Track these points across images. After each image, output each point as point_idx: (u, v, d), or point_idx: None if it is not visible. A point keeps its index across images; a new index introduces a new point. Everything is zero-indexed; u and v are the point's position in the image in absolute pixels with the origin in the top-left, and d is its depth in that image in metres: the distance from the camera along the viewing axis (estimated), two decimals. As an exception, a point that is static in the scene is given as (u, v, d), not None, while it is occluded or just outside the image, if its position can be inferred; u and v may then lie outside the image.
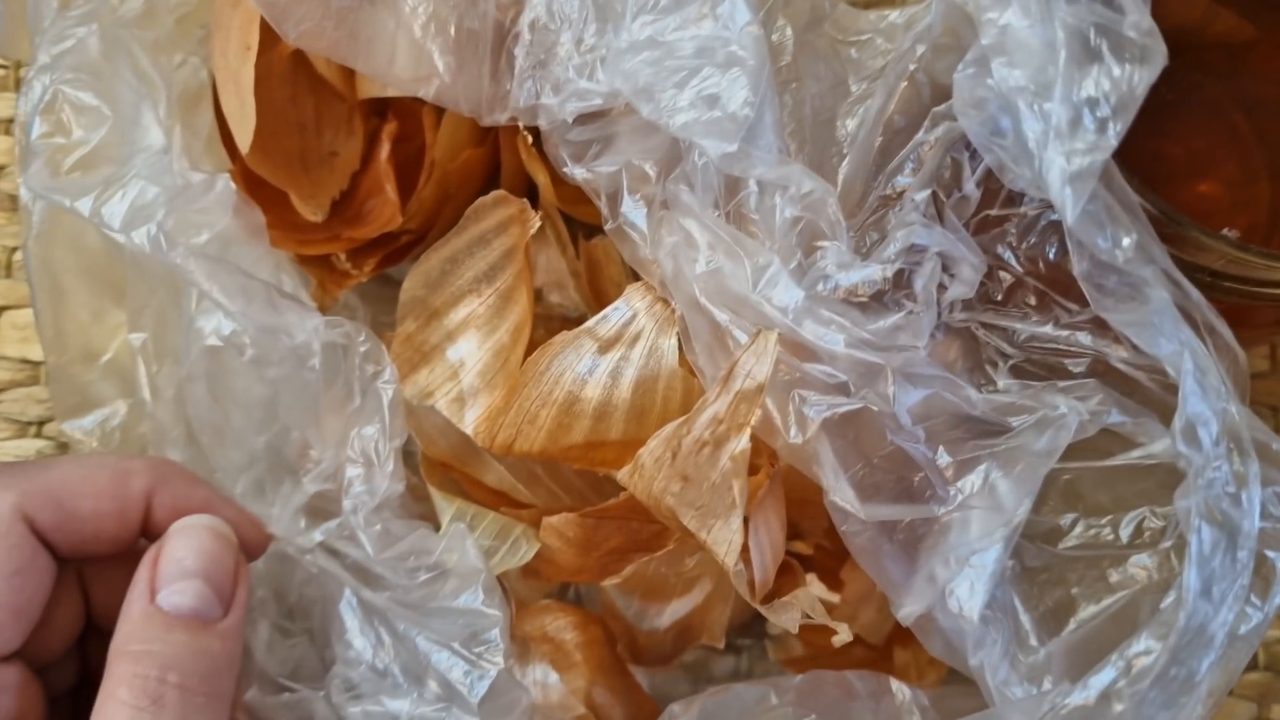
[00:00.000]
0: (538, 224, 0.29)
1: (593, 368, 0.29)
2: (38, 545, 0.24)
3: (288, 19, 0.27)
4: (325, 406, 0.29)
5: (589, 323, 0.29)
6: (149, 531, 0.26)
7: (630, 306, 0.29)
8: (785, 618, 0.25)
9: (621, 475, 0.26)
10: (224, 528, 0.26)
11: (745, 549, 0.25)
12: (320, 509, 0.30)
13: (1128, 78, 0.20)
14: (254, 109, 0.31)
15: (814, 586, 0.27)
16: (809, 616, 0.26)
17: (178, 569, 0.24)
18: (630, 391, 0.29)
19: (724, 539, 0.25)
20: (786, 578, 0.29)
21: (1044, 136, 0.21)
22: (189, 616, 0.24)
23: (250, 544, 0.27)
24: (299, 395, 0.30)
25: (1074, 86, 0.21)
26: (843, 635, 0.26)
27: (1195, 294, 0.23)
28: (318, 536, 0.29)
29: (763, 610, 0.26)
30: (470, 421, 0.30)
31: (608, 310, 0.29)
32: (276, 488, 0.31)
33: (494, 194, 0.31)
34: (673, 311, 0.28)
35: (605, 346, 0.29)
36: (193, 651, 0.23)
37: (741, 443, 0.25)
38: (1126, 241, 0.21)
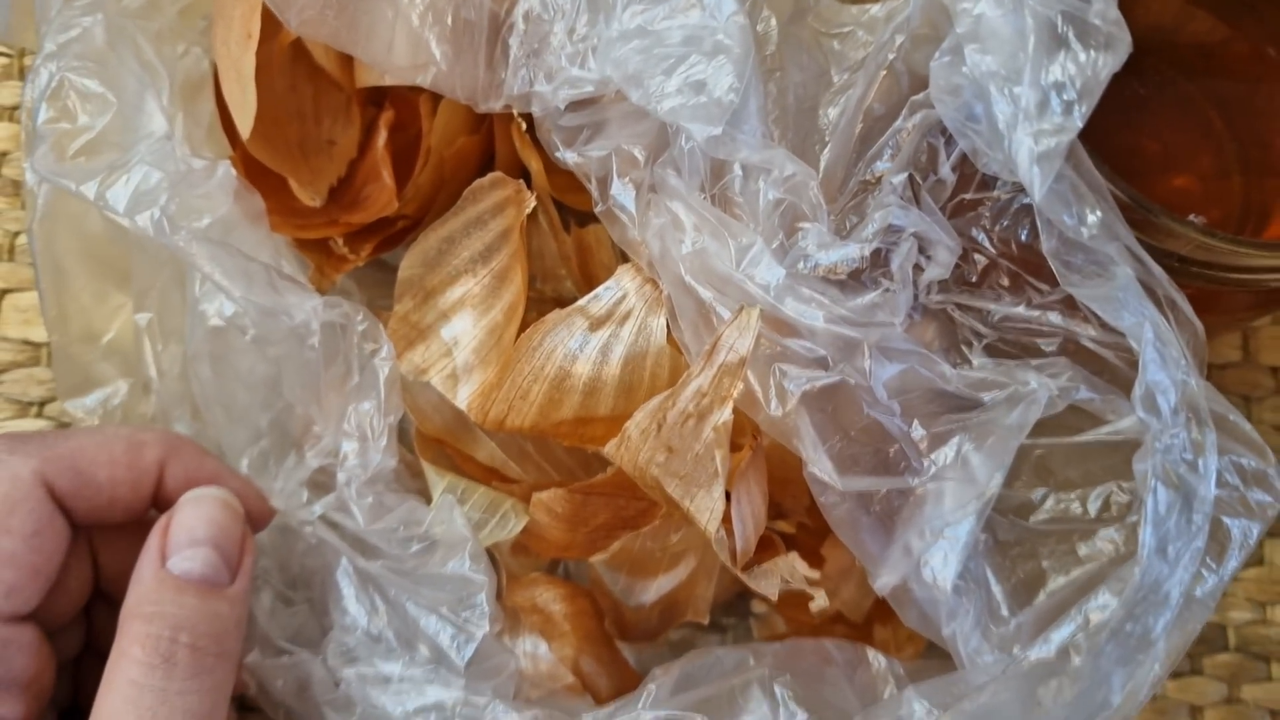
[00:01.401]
0: (533, 204, 0.30)
1: (583, 345, 0.30)
2: (55, 510, 0.25)
3: (290, 7, 0.28)
4: (326, 384, 0.30)
5: (580, 301, 0.30)
6: (160, 501, 0.27)
7: (621, 286, 0.30)
8: (765, 584, 0.26)
9: (608, 448, 0.27)
10: (232, 499, 0.27)
11: (727, 518, 0.26)
12: (322, 483, 0.31)
13: (1093, 63, 0.21)
14: (255, 96, 0.32)
15: (796, 563, 0.28)
16: (788, 582, 0.26)
17: (188, 536, 0.25)
18: (619, 368, 0.29)
19: (706, 507, 0.26)
20: (767, 551, 0.29)
21: (1013, 118, 0.22)
22: (199, 581, 0.25)
23: (255, 515, 0.28)
24: (300, 373, 0.31)
25: (1042, 71, 0.22)
26: (819, 601, 0.27)
27: (1157, 270, 0.24)
28: (318, 509, 0.30)
29: (743, 577, 0.27)
30: (464, 397, 0.31)
31: (599, 289, 0.30)
32: (280, 463, 0.32)
33: (491, 176, 0.32)
34: (661, 291, 0.29)
35: (596, 324, 0.30)
36: (203, 614, 0.24)
37: (724, 414, 0.25)
38: (1091, 219, 0.22)
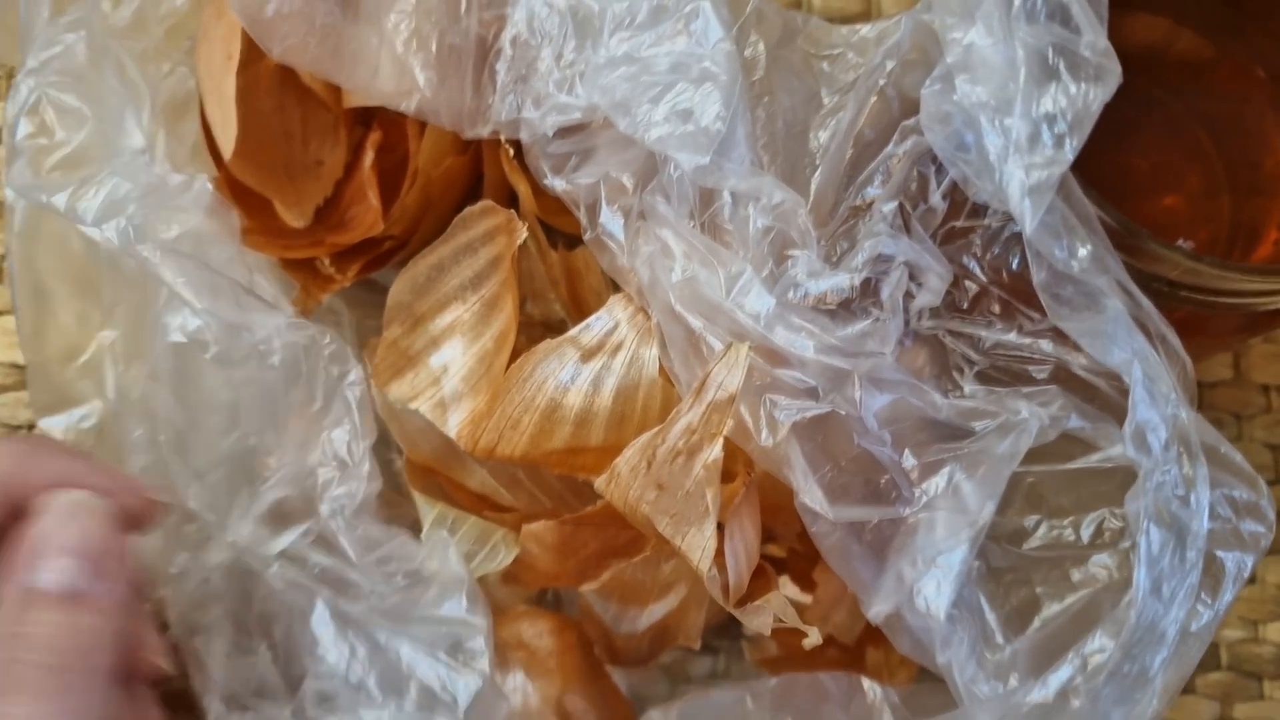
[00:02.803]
0: (524, 235, 0.30)
1: (575, 375, 0.29)
2: None
3: (273, 36, 0.28)
4: (287, 408, 0.30)
5: (572, 331, 0.29)
6: (23, 512, 0.25)
7: (612, 317, 0.29)
8: (758, 621, 0.26)
9: (599, 483, 0.27)
10: (95, 501, 0.25)
11: (720, 553, 0.26)
12: (286, 516, 0.29)
13: (1083, 95, 0.21)
14: (236, 117, 0.32)
15: (786, 588, 0.28)
16: (781, 620, 0.26)
17: (46, 547, 0.24)
18: (611, 399, 0.29)
19: (698, 545, 0.26)
20: (760, 581, 0.29)
21: (1004, 151, 0.22)
22: (58, 595, 0.23)
23: (137, 514, 0.26)
24: (260, 395, 0.30)
25: (1033, 103, 0.22)
26: (813, 638, 0.27)
27: (1147, 304, 0.24)
28: (282, 543, 0.29)
29: (736, 613, 0.27)
30: (453, 425, 0.30)
31: (590, 320, 0.29)
32: (234, 495, 0.30)
33: (481, 204, 0.31)
34: (652, 321, 0.29)
35: (588, 355, 0.29)
36: (63, 629, 0.23)
37: (714, 452, 0.25)
38: (1082, 252, 0.22)
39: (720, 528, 0.26)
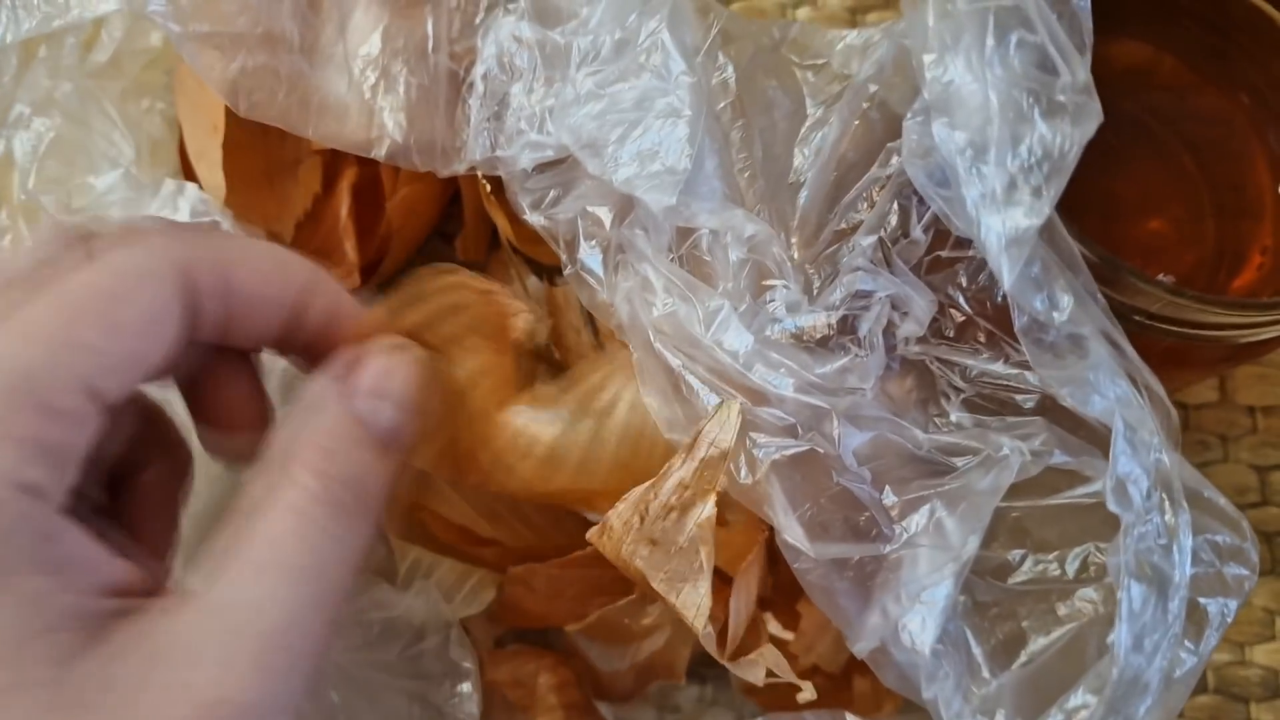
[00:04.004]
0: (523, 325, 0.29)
1: (574, 425, 0.28)
2: (182, 309, 0.22)
3: (238, 93, 0.28)
4: None
5: (565, 395, 0.28)
6: (287, 340, 0.24)
7: (604, 377, 0.28)
8: (752, 674, 0.26)
9: (590, 535, 0.26)
10: (426, 360, 0.24)
11: (723, 607, 0.26)
12: None
13: (1060, 142, 0.21)
14: (224, 179, 0.32)
15: (769, 625, 0.28)
16: (775, 675, 0.26)
17: (380, 384, 0.23)
18: (615, 446, 0.28)
19: (693, 602, 0.25)
20: (750, 631, 0.29)
21: (981, 200, 0.22)
22: (379, 436, 0.22)
23: None
24: None
25: (1008, 152, 0.21)
26: (807, 694, 0.26)
27: (1130, 350, 0.24)
28: None
29: (730, 667, 0.26)
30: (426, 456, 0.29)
31: (582, 384, 0.28)
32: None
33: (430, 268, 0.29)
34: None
35: (578, 415, 0.28)
36: (375, 476, 0.22)
37: (707, 509, 0.25)
38: (1065, 302, 0.22)
39: (729, 581, 0.25)
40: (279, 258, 0.24)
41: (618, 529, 0.26)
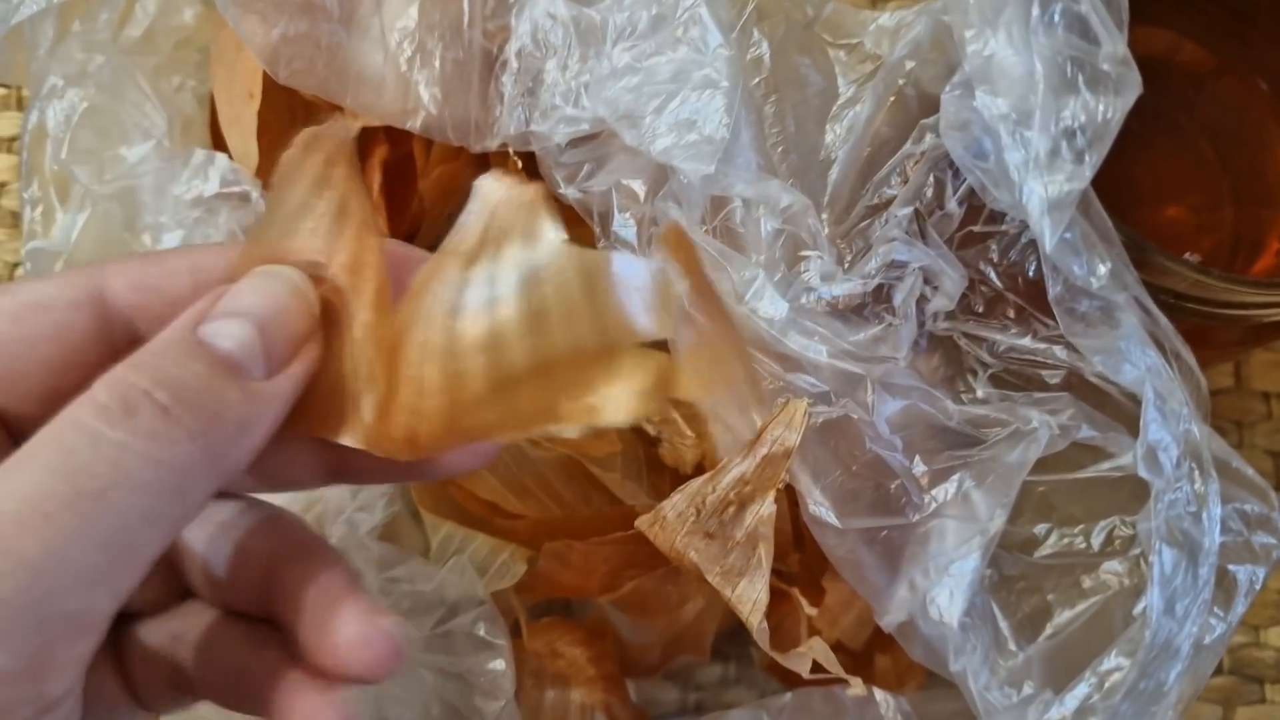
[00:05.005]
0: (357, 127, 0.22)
1: (461, 292, 0.20)
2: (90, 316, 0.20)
3: (279, 60, 0.28)
4: None
5: (445, 242, 0.21)
6: None
7: (484, 202, 0.20)
8: (799, 664, 0.26)
9: (641, 523, 0.26)
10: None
11: (772, 608, 0.26)
12: None
13: (1103, 110, 0.21)
14: (257, 149, 0.32)
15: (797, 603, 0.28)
16: (822, 669, 0.26)
17: (233, 305, 0.20)
18: (516, 300, 0.20)
19: (749, 598, 0.25)
20: (783, 603, 0.29)
21: (1024, 165, 0.22)
22: (222, 357, 0.19)
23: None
24: None
25: (1052, 118, 0.22)
26: (857, 689, 0.27)
27: (1163, 320, 0.24)
28: None
29: (779, 658, 0.27)
30: (364, 435, 0.20)
31: (461, 216, 0.21)
32: None
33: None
34: (539, 187, 0.20)
35: (469, 260, 0.20)
36: (204, 387, 0.19)
37: (767, 505, 0.25)
38: (1102, 269, 0.22)
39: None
40: (193, 262, 0.22)
41: (671, 520, 0.26)
